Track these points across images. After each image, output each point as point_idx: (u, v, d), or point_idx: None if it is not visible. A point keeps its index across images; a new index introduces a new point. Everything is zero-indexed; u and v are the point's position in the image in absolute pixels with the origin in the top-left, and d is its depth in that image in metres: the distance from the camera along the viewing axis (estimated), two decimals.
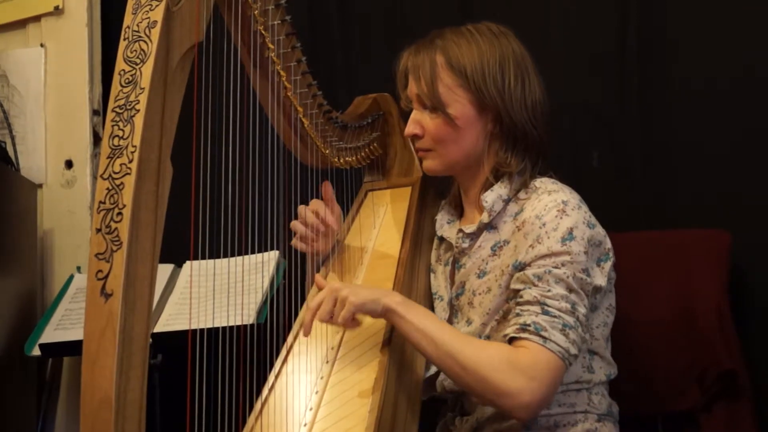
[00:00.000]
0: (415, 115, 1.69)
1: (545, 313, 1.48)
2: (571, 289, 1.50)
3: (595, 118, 2.22)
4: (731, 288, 1.90)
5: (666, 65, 2.15)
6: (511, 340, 1.49)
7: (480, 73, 1.62)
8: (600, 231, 1.59)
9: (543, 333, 1.46)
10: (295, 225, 1.77)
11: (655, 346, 1.89)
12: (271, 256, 2.10)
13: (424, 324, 1.51)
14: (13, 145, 2.67)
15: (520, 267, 1.54)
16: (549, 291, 1.49)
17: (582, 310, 1.50)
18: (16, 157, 2.66)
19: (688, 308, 1.88)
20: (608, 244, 1.60)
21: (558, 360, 1.46)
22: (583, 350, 1.60)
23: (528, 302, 1.50)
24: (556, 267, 1.50)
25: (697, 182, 2.10)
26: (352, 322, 1.55)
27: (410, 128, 1.69)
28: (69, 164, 2.66)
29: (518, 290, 1.53)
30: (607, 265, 1.59)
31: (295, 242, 1.79)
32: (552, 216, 1.54)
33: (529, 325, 1.47)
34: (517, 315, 1.50)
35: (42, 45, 2.70)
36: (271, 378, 1.61)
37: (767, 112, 2.04)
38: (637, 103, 2.18)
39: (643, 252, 1.98)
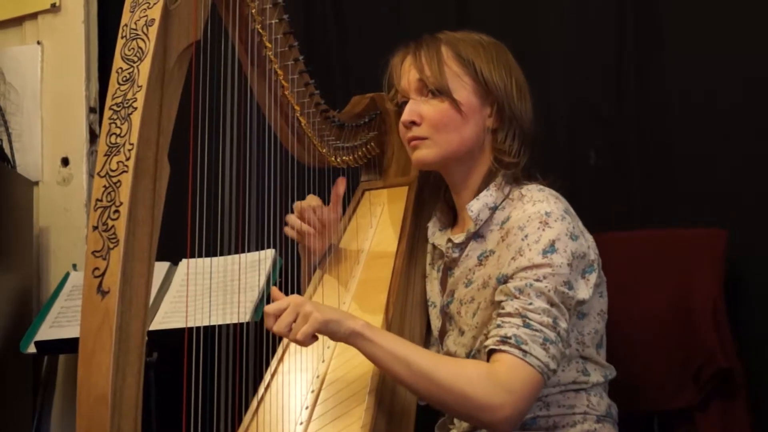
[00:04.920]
0: (412, 104, 1.66)
1: (527, 326, 1.46)
2: (552, 303, 1.48)
3: (592, 117, 2.22)
4: (727, 286, 1.90)
5: (663, 64, 2.15)
6: (491, 352, 1.48)
7: (486, 66, 1.64)
8: (584, 243, 1.56)
9: (523, 346, 1.44)
10: (291, 218, 1.76)
11: (651, 345, 1.90)
12: (268, 255, 2.10)
13: (394, 346, 1.47)
14: (10, 142, 2.67)
15: (503, 280, 1.53)
16: (531, 304, 1.47)
17: (563, 324, 1.49)
18: (13, 155, 2.66)
19: (684, 307, 1.89)
20: (592, 255, 1.58)
21: (537, 374, 1.45)
22: (574, 356, 1.60)
23: (509, 314, 1.48)
24: (537, 280, 1.49)
25: (693, 181, 2.10)
26: (310, 340, 1.47)
27: (407, 115, 1.65)
28: (65, 162, 2.66)
29: (500, 302, 1.52)
30: (593, 277, 1.56)
31: (289, 231, 1.79)
32: (534, 228, 1.53)
33: (509, 338, 1.46)
34: (498, 326, 1.48)
35: (39, 42, 2.70)
36: (267, 376, 1.61)
37: (763, 112, 2.05)
38: (634, 102, 2.18)
39: (640, 251, 1.98)
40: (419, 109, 1.65)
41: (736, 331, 1.88)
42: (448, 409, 1.52)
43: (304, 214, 1.76)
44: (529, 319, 1.47)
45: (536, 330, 1.46)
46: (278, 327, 1.46)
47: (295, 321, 1.46)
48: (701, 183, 2.09)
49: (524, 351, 1.44)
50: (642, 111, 2.17)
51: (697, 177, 2.10)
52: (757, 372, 1.90)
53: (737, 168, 2.06)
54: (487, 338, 1.51)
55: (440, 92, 1.63)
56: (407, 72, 1.68)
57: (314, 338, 1.48)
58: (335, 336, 1.48)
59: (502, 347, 1.46)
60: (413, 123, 1.66)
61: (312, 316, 1.45)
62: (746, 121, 2.06)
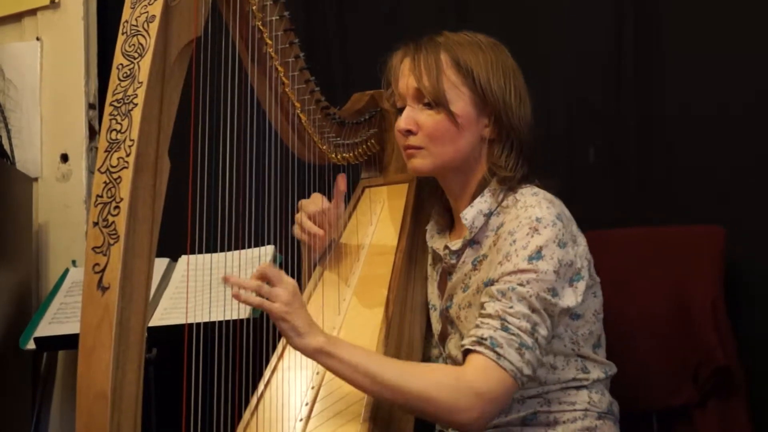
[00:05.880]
0: (409, 111, 1.64)
1: (504, 329, 1.46)
2: (533, 309, 1.48)
3: (592, 115, 2.23)
4: (726, 284, 1.90)
5: (663, 64, 2.15)
6: (467, 352, 1.48)
7: (485, 74, 1.61)
8: (570, 251, 1.54)
9: (498, 349, 1.44)
10: (305, 222, 1.76)
11: (650, 343, 1.90)
12: (267, 251, 2.09)
13: (356, 359, 1.45)
14: (9, 138, 2.67)
15: (490, 283, 1.53)
16: (511, 308, 1.47)
17: (543, 332, 1.48)
18: (12, 151, 2.66)
19: (683, 304, 1.89)
20: (579, 263, 1.56)
21: (509, 378, 1.45)
22: (571, 354, 1.60)
23: (489, 315, 1.48)
24: (520, 284, 1.48)
25: (692, 179, 2.10)
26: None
27: (404, 123, 1.64)
28: (64, 158, 2.65)
29: (483, 303, 1.52)
30: (581, 285, 1.55)
31: (301, 234, 1.79)
32: (523, 233, 1.52)
33: (485, 339, 1.46)
34: (477, 327, 1.49)
35: (38, 38, 2.70)
36: (267, 373, 1.61)
37: (763, 111, 2.05)
38: (633, 101, 2.18)
39: (638, 248, 1.98)
40: (416, 117, 1.63)
41: (735, 329, 1.89)
42: (421, 414, 1.52)
43: (316, 218, 1.76)
44: (508, 322, 1.46)
45: (513, 334, 1.46)
46: (251, 282, 1.43)
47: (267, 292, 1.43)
48: (700, 180, 2.09)
49: (498, 354, 1.44)
50: (641, 110, 2.17)
51: (696, 176, 2.10)
52: (757, 370, 1.90)
53: (736, 167, 2.06)
54: (464, 339, 1.51)
55: (437, 104, 1.61)
56: (405, 77, 1.66)
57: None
58: (295, 345, 1.44)
59: (477, 348, 1.46)
60: (409, 132, 1.64)
61: (280, 299, 1.41)
62: (745, 120, 2.06)
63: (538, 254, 1.50)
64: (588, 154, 2.23)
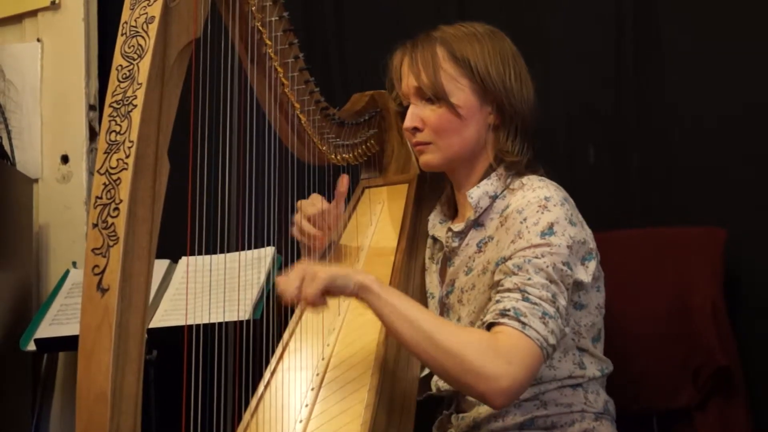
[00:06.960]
0: (413, 109, 1.67)
1: (525, 300, 1.46)
2: (551, 280, 1.48)
3: (591, 114, 2.23)
4: (726, 285, 1.90)
5: (662, 64, 2.15)
6: (491, 326, 1.47)
7: (482, 63, 1.64)
8: (582, 230, 1.57)
9: (522, 318, 1.44)
10: (304, 224, 1.77)
11: (651, 344, 1.90)
12: (267, 252, 2.10)
13: (400, 304, 1.47)
14: (9, 139, 2.67)
15: (502, 261, 1.54)
16: (529, 279, 1.48)
17: (562, 302, 1.48)
18: (12, 152, 2.66)
19: (684, 305, 1.89)
20: (592, 244, 1.59)
21: (536, 347, 1.43)
22: (571, 347, 1.61)
23: (508, 289, 1.48)
24: (536, 257, 1.49)
25: (692, 179, 2.10)
26: (320, 300, 1.47)
27: (410, 121, 1.67)
28: (65, 159, 2.65)
29: (499, 280, 1.52)
30: (592, 265, 1.57)
31: (297, 234, 1.79)
32: (533, 211, 1.54)
33: (508, 310, 1.45)
34: (497, 302, 1.48)
35: (38, 40, 2.70)
36: (266, 374, 1.61)
37: (763, 111, 2.05)
38: (633, 100, 2.18)
39: (639, 249, 1.98)
40: (420, 114, 1.67)
41: (735, 330, 1.88)
42: (447, 375, 1.49)
43: (314, 219, 1.77)
44: (528, 293, 1.47)
45: (535, 303, 1.46)
46: (287, 291, 1.47)
47: (303, 282, 1.46)
48: (700, 181, 2.09)
49: (523, 323, 1.44)
50: (641, 110, 2.17)
51: (696, 174, 2.10)
52: (757, 371, 1.90)
53: (736, 167, 2.06)
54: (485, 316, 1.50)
55: (438, 98, 1.64)
56: (406, 76, 1.69)
57: (323, 299, 1.47)
58: (345, 291, 1.48)
59: (501, 320, 1.45)
60: (416, 129, 1.67)
61: (318, 276, 1.46)
62: (746, 120, 2.06)
63: (550, 230, 1.52)
64: (588, 154, 2.23)
